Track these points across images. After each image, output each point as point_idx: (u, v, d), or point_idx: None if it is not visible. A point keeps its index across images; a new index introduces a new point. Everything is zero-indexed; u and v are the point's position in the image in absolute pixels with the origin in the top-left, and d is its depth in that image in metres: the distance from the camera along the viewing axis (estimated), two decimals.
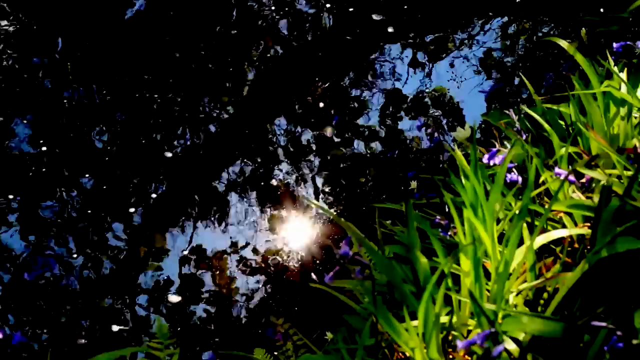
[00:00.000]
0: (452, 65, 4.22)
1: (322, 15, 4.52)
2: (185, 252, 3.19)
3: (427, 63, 4.26)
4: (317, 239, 3.24)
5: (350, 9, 4.48)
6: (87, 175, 3.44)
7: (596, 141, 2.00)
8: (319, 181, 3.52)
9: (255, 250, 3.21)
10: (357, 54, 4.28)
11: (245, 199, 3.44)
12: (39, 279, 2.94)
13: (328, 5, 4.45)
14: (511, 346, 1.48)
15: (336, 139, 3.71)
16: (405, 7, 4.61)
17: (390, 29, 4.42)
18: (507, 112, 2.28)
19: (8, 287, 2.98)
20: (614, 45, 2.20)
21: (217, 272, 3.13)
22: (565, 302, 1.50)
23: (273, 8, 4.37)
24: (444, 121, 3.80)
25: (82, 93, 3.92)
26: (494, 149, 1.92)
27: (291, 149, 3.68)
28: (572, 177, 1.84)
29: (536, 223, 1.77)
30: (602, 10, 4.01)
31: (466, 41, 4.42)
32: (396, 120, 3.84)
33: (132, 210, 3.33)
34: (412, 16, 4.60)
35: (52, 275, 2.99)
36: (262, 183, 3.49)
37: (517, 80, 4.02)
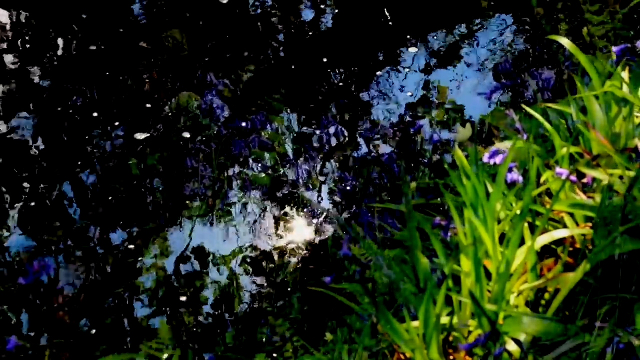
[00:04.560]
0: (453, 64, 4.22)
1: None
2: (184, 252, 3.18)
3: (428, 61, 4.25)
4: (317, 239, 3.24)
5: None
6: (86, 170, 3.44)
7: (597, 141, 1.99)
8: (320, 181, 3.52)
9: (254, 250, 3.20)
10: (357, 55, 4.28)
11: (244, 199, 3.43)
12: (36, 279, 2.93)
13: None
14: (512, 347, 1.48)
15: (336, 139, 3.70)
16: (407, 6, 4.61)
17: (391, 30, 4.42)
18: (508, 111, 2.27)
19: (5, 288, 2.98)
20: (614, 48, 2.20)
21: (216, 272, 3.13)
22: (567, 302, 1.50)
23: None
24: (445, 120, 3.79)
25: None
26: (495, 148, 1.91)
27: (290, 148, 3.67)
28: (573, 177, 1.83)
29: (537, 223, 1.76)
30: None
31: (467, 39, 4.41)
32: (397, 120, 3.84)
33: (130, 208, 3.32)
34: (412, 16, 4.60)
35: (47, 275, 2.98)
36: (262, 183, 3.48)
37: (518, 80, 4.01)
